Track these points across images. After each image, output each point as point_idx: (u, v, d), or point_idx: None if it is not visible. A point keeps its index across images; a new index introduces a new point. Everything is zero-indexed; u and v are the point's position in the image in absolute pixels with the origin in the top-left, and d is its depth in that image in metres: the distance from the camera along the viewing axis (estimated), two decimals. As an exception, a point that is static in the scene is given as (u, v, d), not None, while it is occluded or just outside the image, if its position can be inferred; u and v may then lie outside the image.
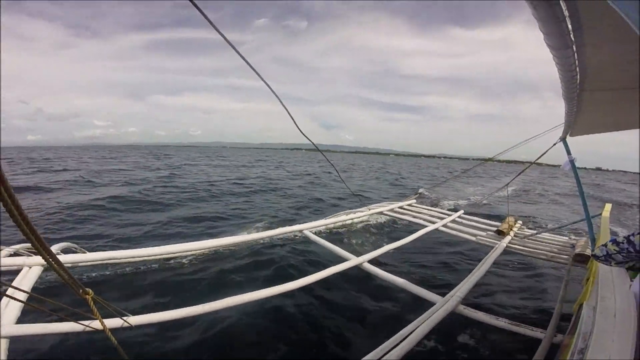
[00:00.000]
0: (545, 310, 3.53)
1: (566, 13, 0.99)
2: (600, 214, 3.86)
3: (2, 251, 2.35)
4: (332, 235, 5.64)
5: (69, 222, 6.49)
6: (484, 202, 11.25)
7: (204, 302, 2.13)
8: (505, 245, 3.93)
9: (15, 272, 2.17)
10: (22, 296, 1.69)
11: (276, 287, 2.49)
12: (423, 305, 2.54)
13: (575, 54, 1.27)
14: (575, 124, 3.01)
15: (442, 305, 2.39)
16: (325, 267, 2.95)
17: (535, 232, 4.61)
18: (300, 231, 3.82)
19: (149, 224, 6.66)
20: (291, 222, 8.61)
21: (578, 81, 1.64)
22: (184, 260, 4.34)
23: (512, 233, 4.43)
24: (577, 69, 1.43)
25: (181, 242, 2.77)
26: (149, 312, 1.99)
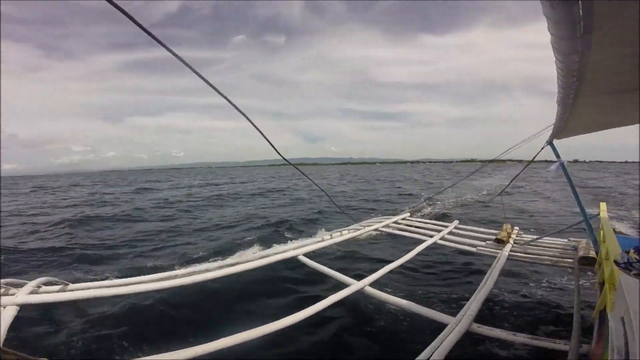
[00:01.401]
0: (561, 318, 3.41)
1: (581, 13, 0.91)
2: (598, 214, 3.82)
3: None
4: (327, 257, 5.42)
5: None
6: (478, 205, 11.34)
7: (181, 347, 1.88)
8: (507, 254, 3.83)
9: None
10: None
11: (271, 324, 2.26)
12: (435, 327, 2.41)
13: (580, 59, 1.21)
14: (564, 127, 2.99)
15: (455, 326, 2.26)
16: (324, 295, 2.73)
17: (534, 237, 4.54)
18: (295, 257, 3.63)
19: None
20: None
21: (576, 86, 1.58)
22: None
23: (511, 240, 4.34)
24: (578, 73, 1.38)
25: (160, 275, 2.66)
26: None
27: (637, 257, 0.95)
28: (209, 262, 3.30)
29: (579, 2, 0.89)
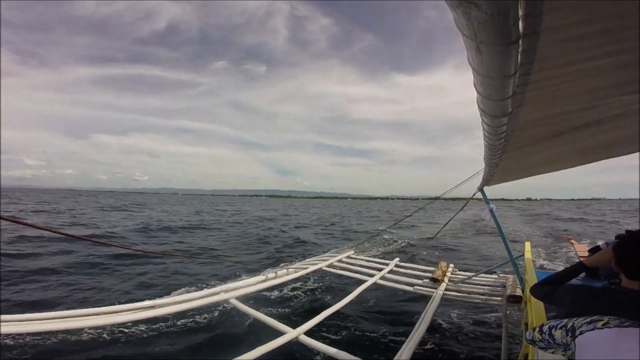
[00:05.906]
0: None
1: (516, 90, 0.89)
2: (523, 255, 3.98)
3: None
4: (262, 299, 5.09)
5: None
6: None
7: None
8: (441, 293, 3.86)
9: None
10: None
11: None
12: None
13: (508, 122, 1.18)
14: (491, 178, 3.15)
15: None
16: (256, 343, 2.38)
17: (469, 274, 4.65)
18: (226, 300, 3.31)
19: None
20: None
21: (502, 146, 1.60)
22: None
23: (446, 279, 4.40)
24: (505, 134, 1.35)
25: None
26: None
27: (539, 337, 1.08)
28: (119, 303, 2.88)
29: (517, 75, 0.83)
